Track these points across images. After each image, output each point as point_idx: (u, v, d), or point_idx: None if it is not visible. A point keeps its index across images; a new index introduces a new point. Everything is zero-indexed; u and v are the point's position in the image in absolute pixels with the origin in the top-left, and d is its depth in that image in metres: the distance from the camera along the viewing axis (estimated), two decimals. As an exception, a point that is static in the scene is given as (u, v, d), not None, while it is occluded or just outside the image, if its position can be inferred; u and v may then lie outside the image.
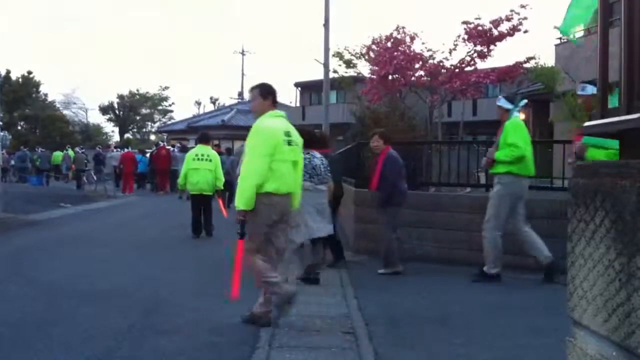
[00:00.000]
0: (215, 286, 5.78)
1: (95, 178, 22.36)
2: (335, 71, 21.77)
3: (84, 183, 22.77)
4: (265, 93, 4.52)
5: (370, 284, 6.07)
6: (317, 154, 6.28)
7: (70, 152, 25.99)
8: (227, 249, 7.71)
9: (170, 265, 6.81)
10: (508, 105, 6.25)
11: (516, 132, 6.05)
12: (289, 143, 4.37)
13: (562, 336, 1.91)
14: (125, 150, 24.09)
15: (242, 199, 4.17)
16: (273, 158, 4.22)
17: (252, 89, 4.65)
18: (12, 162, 26.36)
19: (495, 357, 3.86)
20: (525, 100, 6.52)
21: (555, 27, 6.11)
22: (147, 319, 4.51)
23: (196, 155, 9.36)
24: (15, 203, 12.64)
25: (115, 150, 25.82)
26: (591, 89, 5.26)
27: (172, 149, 23.18)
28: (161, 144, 24.96)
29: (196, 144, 10.23)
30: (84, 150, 27.14)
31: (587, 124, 1.80)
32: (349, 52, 19.87)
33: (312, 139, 6.19)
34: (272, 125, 4.36)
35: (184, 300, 5.15)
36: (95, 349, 3.78)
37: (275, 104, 4.56)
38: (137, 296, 5.27)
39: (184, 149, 19.77)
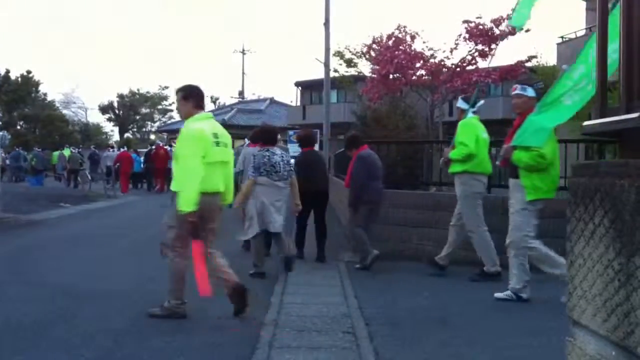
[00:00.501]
0: (213, 286, 5.78)
1: (89, 177, 22.58)
2: (336, 70, 21.78)
3: (78, 182, 23.05)
4: (187, 95, 4.64)
5: (370, 284, 6.07)
6: (278, 151, 6.45)
7: (66, 152, 26.08)
8: (226, 250, 7.74)
9: (168, 266, 6.78)
10: (464, 106, 6.45)
11: (466, 132, 6.18)
12: (217, 144, 4.51)
13: (562, 336, 1.91)
14: (122, 150, 24.32)
15: (189, 203, 4.27)
16: (203, 160, 4.35)
17: (176, 91, 4.83)
18: (7, 162, 26.46)
19: (495, 357, 3.85)
20: (482, 102, 6.70)
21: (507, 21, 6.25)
22: (147, 319, 4.50)
23: None
24: (15, 203, 12.64)
25: (110, 150, 26.03)
26: (531, 92, 5.31)
27: (168, 148, 23.41)
28: (160, 143, 25.14)
29: None
30: (79, 150, 27.28)
31: (586, 123, 1.79)
32: (350, 51, 19.89)
33: (272, 137, 6.53)
34: (200, 128, 4.48)
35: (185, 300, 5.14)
36: (96, 349, 3.79)
37: (200, 106, 4.68)
38: (136, 296, 5.26)
39: None
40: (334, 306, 4.98)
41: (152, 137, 52.38)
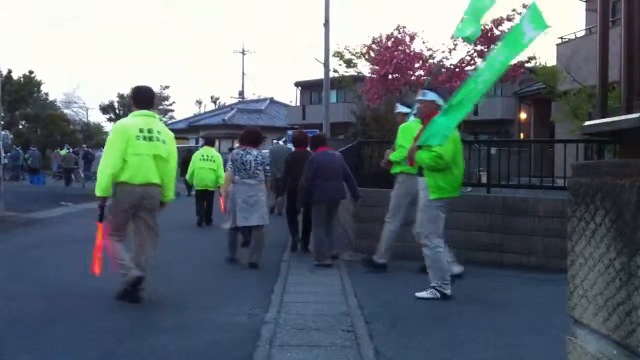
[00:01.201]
0: (215, 284, 5.82)
1: (82, 176, 23.33)
2: (335, 70, 21.79)
3: (72, 181, 23.86)
4: (132, 96, 5.36)
5: (370, 282, 6.08)
6: (254, 152, 6.98)
7: (63, 152, 26.55)
8: (223, 253, 7.74)
9: (170, 263, 6.79)
10: (405, 110, 6.59)
11: (404, 135, 6.33)
12: (147, 139, 4.87)
13: (562, 335, 1.92)
14: None
15: (99, 188, 4.81)
16: (127, 152, 4.77)
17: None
18: (5, 161, 26.66)
19: (495, 355, 3.86)
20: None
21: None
22: (149, 318, 4.52)
23: (202, 155, 10.79)
24: (16, 202, 12.65)
25: (101, 150, 26.26)
26: (430, 95, 5.59)
27: None
28: None
29: (202, 146, 11.90)
30: (75, 149, 27.57)
31: (587, 123, 1.80)
32: (349, 52, 19.91)
33: (253, 138, 7.13)
34: (126, 123, 5.01)
35: (185, 299, 5.16)
36: (98, 347, 3.80)
37: (139, 105, 5.15)
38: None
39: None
40: (334, 305, 4.99)
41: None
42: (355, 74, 21.78)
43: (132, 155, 4.78)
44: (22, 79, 44.17)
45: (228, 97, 56.45)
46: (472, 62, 15.42)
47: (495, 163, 8.30)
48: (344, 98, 33.37)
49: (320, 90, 28.64)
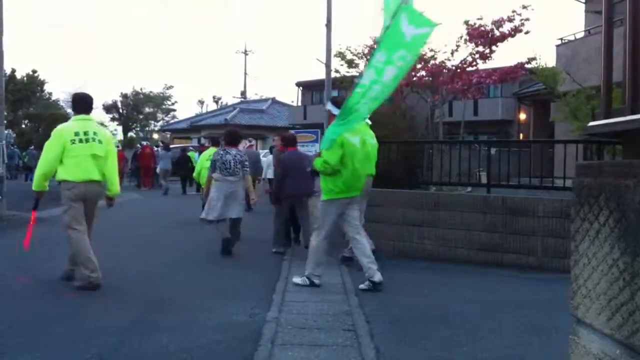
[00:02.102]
0: (216, 283, 5.83)
1: None
2: (337, 71, 21.75)
3: None
4: (71, 102, 5.87)
5: (371, 282, 6.08)
6: (233, 151, 7.66)
7: None
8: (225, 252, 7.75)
9: (172, 262, 6.82)
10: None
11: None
12: (83, 141, 5.39)
13: (563, 334, 1.93)
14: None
15: (34, 185, 5.56)
16: (64, 154, 5.34)
17: None
18: (7, 160, 26.84)
19: (496, 355, 3.87)
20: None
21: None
22: (150, 317, 4.53)
23: (209, 156, 10.92)
24: (18, 201, 12.59)
25: None
26: (329, 106, 6.09)
27: (156, 148, 24.22)
28: (144, 143, 26.24)
29: (207, 146, 13.08)
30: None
31: (591, 123, 1.81)
32: (351, 52, 19.87)
33: (232, 139, 7.88)
34: (63, 128, 5.52)
35: (187, 298, 5.17)
36: (99, 346, 3.80)
37: (77, 110, 5.70)
38: (139, 293, 5.29)
39: (167, 148, 22.11)
40: (335, 304, 5.00)
41: (155, 136, 52.31)
42: (357, 74, 21.77)
43: (70, 157, 5.33)
44: (25, 78, 44.14)
45: (230, 97, 56.48)
46: (474, 63, 15.38)
47: (496, 163, 8.31)
48: (344, 98, 33.50)
49: (321, 90, 28.61)
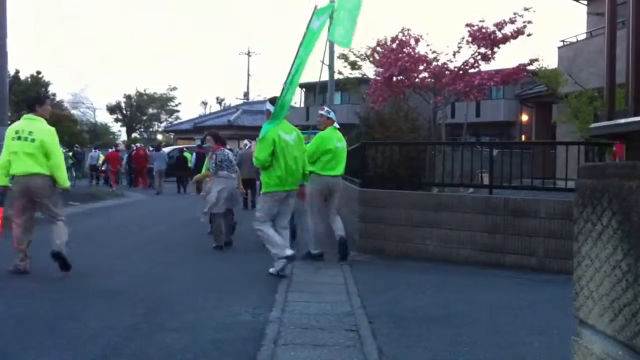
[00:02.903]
0: (219, 284, 5.84)
1: (74, 175, 24.39)
2: (340, 72, 21.77)
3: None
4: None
5: (374, 282, 6.10)
6: (226, 150, 8.44)
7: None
8: (233, 248, 7.78)
9: (175, 263, 6.83)
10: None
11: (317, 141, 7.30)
12: (21, 139, 5.86)
13: (564, 335, 1.94)
14: (111, 150, 25.49)
15: None
16: (7, 150, 5.91)
17: None
18: None
19: (497, 355, 3.88)
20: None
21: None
22: (153, 317, 4.54)
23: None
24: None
25: (94, 150, 27.96)
26: (268, 105, 6.56)
27: (151, 149, 24.97)
28: (138, 145, 27.21)
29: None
30: (68, 150, 28.04)
31: (593, 125, 1.82)
32: (354, 54, 19.87)
33: (223, 140, 8.68)
34: (10, 127, 6.10)
35: (190, 298, 5.18)
36: (103, 345, 3.81)
37: (28, 109, 6.20)
38: (143, 294, 5.30)
39: (158, 149, 23.07)
40: (337, 304, 5.01)
41: (159, 137, 52.26)
42: (360, 76, 21.76)
43: (10, 153, 5.89)
44: (29, 79, 44.10)
45: (233, 99, 56.33)
46: (476, 64, 15.39)
47: (498, 165, 8.31)
48: (348, 100, 33.43)
49: (324, 92, 28.64)
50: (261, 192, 6.40)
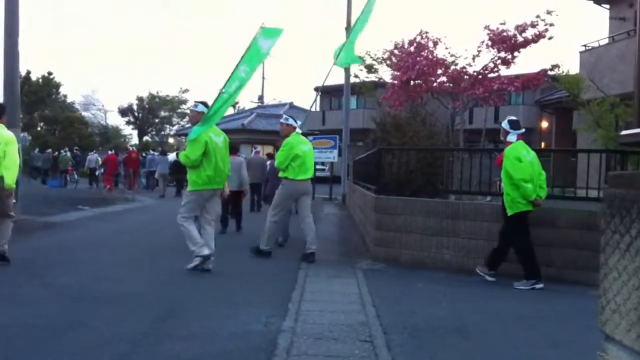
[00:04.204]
0: (232, 291, 5.77)
1: (76, 177, 25.89)
2: (356, 76, 21.74)
3: (67, 181, 26.01)
4: None
5: (388, 292, 6.00)
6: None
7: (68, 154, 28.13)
8: (243, 256, 7.71)
9: (185, 270, 6.77)
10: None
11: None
12: None
13: (582, 348, 1.84)
14: (109, 152, 26.09)
15: None
16: None
17: None
18: None
19: (517, 370, 3.77)
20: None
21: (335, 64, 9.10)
22: (163, 325, 4.47)
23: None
24: (33, 205, 12.71)
25: (91, 153, 28.77)
26: (200, 107, 6.91)
27: (155, 153, 25.79)
28: (130, 148, 28.09)
29: None
30: (68, 151, 28.55)
31: (624, 132, 1.73)
32: (371, 57, 19.84)
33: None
34: None
35: (200, 306, 5.10)
36: (111, 353, 3.76)
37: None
38: (152, 301, 5.23)
39: (164, 154, 23.72)
40: (351, 314, 4.92)
41: (171, 140, 52.48)
42: (376, 79, 21.71)
43: None
44: (40, 80, 44.40)
45: (247, 102, 56.30)
46: (496, 69, 15.22)
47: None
48: (364, 104, 33.40)
49: (340, 95, 28.60)
50: (187, 190, 6.76)
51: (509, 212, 6.25)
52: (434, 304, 5.54)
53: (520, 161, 6.19)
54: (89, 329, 4.30)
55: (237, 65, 6.79)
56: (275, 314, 4.77)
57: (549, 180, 8.39)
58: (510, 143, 6.39)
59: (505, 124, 6.55)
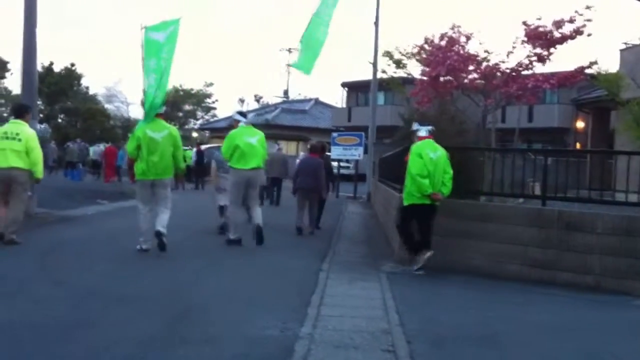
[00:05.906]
0: (248, 293, 5.56)
1: (82, 169, 26.24)
2: (384, 71, 21.34)
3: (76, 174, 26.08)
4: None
5: (413, 297, 5.77)
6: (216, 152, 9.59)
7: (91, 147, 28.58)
8: (260, 257, 7.51)
9: (202, 270, 6.56)
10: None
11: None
12: (9, 138, 7.31)
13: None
14: (108, 145, 26.51)
15: None
16: None
17: None
18: None
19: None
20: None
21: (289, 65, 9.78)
22: (175, 327, 4.29)
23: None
24: (50, 198, 12.50)
25: (97, 145, 28.90)
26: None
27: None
28: (108, 143, 28.06)
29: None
30: (71, 144, 28.75)
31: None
32: (399, 52, 19.45)
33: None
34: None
35: (215, 308, 4.91)
36: (119, 356, 3.61)
37: (13, 115, 7.83)
38: (165, 302, 5.04)
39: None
40: (373, 321, 4.69)
41: (195, 134, 52.42)
42: (405, 75, 21.28)
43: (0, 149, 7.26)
44: (63, 72, 44.53)
45: (272, 96, 55.82)
46: (531, 65, 14.63)
47: (551, 174, 7.80)
48: (391, 100, 32.89)
49: (367, 91, 28.24)
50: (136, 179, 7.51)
51: (405, 203, 6.90)
52: (461, 310, 5.32)
53: (421, 157, 6.72)
54: (98, 329, 4.16)
55: (143, 64, 7.57)
56: (293, 319, 4.56)
57: (585, 182, 8.01)
58: (423, 138, 6.98)
59: (414, 125, 7.30)
